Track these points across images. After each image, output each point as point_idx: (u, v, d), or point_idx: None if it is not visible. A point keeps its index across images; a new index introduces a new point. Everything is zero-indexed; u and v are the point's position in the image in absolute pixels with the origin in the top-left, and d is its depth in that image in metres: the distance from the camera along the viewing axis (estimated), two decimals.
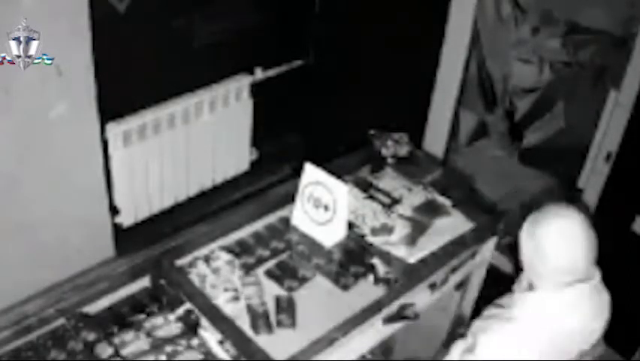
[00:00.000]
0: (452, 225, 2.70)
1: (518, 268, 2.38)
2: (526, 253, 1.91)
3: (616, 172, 3.16)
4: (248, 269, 2.41)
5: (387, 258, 2.50)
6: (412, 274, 2.44)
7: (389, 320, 2.38)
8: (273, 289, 2.36)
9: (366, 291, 2.38)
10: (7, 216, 2.35)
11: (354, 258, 2.50)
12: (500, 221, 2.78)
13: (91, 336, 2.11)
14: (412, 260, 2.50)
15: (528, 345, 1.85)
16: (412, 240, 2.60)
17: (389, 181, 2.91)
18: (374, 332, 2.36)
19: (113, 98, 2.58)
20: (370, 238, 2.59)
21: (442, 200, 2.80)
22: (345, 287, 2.40)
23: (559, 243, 1.81)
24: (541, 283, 1.89)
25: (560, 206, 1.89)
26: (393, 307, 2.37)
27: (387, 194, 2.81)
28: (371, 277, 2.43)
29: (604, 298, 1.99)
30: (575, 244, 1.79)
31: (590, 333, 1.98)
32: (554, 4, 3.28)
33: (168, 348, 2.09)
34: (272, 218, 2.67)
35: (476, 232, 2.67)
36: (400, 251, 2.53)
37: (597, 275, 1.91)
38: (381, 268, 2.45)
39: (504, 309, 1.96)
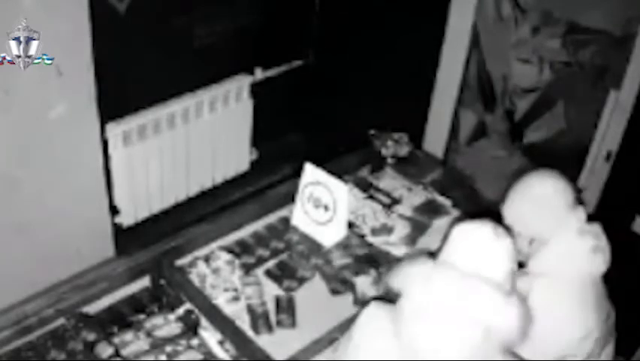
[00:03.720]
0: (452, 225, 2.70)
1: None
2: (526, 216, 1.97)
3: (616, 172, 3.16)
4: (248, 269, 2.41)
5: (385, 260, 2.49)
6: None
7: None
8: (272, 289, 2.36)
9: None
10: (7, 216, 2.35)
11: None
12: (500, 221, 2.78)
13: (91, 336, 2.11)
14: None
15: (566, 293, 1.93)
16: (411, 240, 2.60)
17: (389, 181, 2.91)
18: None
19: (113, 98, 2.57)
20: (370, 238, 2.59)
21: (442, 200, 2.80)
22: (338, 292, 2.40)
23: (548, 190, 1.94)
24: (549, 234, 1.96)
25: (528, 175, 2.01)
26: None
27: (387, 194, 2.81)
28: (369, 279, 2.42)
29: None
30: (559, 185, 1.95)
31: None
32: (554, 4, 3.28)
33: (168, 348, 2.10)
34: (272, 218, 2.67)
35: None
36: (400, 251, 2.53)
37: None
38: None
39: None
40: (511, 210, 2.00)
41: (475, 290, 1.55)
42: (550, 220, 1.95)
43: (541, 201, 1.95)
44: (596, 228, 2.05)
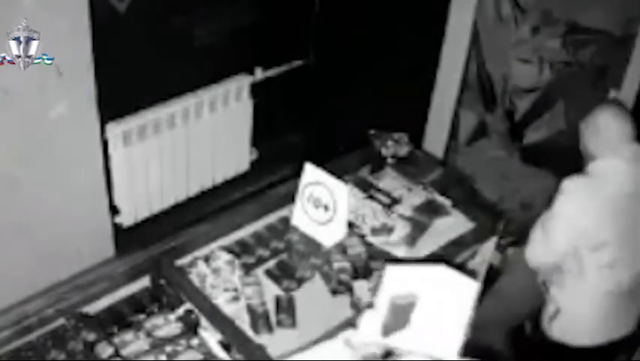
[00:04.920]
0: (452, 225, 2.70)
1: None
2: (587, 136, 2.44)
3: None
4: (248, 269, 2.41)
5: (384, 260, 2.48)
6: None
7: None
8: (273, 289, 2.36)
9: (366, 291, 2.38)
10: (7, 216, 2.35)
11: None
12: (500, 221, 2.78)
13: (91, 336, 2.11)
14: None
15: (595, 191, 2.38)
16: (411, 240, 2.60)
17: (389, 181, 2.91)
18: None
19: (113, 98, 2.57)
20: (370, 238, 2.58)
21: (442, 200, 2.80)
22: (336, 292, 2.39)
23: (607, 117, 2.41)
24: (600, 151, 2.40)
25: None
26: None
27: (387, 194, 2.81)
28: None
29: None
30: (617, 117, 2.40)
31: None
32: (554, 4, 3.28)
33: (168, 348, 2.10)
34: (272, 218, 2.67)
35: (476, 232, 2.67)
36: (400, 251, 2.53)
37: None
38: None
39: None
40: (582, 128, 2.46)
41: None
42: (603, 141, 2.37)
43: (600, 127, 2.38)
44: None
